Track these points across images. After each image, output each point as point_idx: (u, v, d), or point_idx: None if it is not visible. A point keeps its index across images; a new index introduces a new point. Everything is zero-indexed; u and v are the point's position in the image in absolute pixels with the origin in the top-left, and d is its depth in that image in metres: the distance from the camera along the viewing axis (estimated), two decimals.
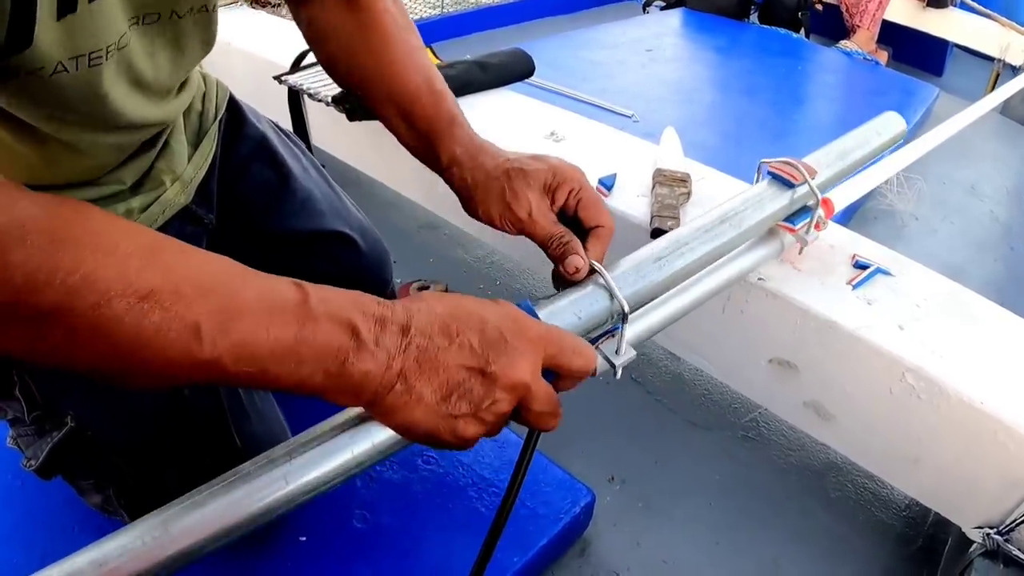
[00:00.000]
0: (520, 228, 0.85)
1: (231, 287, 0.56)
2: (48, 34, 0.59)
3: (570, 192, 0.85)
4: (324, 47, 1.00)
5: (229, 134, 1.15)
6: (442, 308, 0.62)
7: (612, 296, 0.76)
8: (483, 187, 0.87)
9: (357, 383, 0.58)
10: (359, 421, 0.65)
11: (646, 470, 1.39)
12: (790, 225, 1.03)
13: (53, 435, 0.92)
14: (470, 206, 0.89)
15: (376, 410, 0.61)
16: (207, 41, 0.86)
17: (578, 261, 0.78)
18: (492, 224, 0.87)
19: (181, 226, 1.00)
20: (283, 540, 1.08)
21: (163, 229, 0.93)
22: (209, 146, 1.06)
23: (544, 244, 0.83)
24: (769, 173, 1.01)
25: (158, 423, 0.95)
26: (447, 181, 0.92)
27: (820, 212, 1.05)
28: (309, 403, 1.18)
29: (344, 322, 0.58)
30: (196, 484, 0.63)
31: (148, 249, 0.54)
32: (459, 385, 0.61)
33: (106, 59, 0.68)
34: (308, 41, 1.02)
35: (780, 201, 0.98)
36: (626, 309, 0.76)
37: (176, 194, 0.96)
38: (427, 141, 0.93)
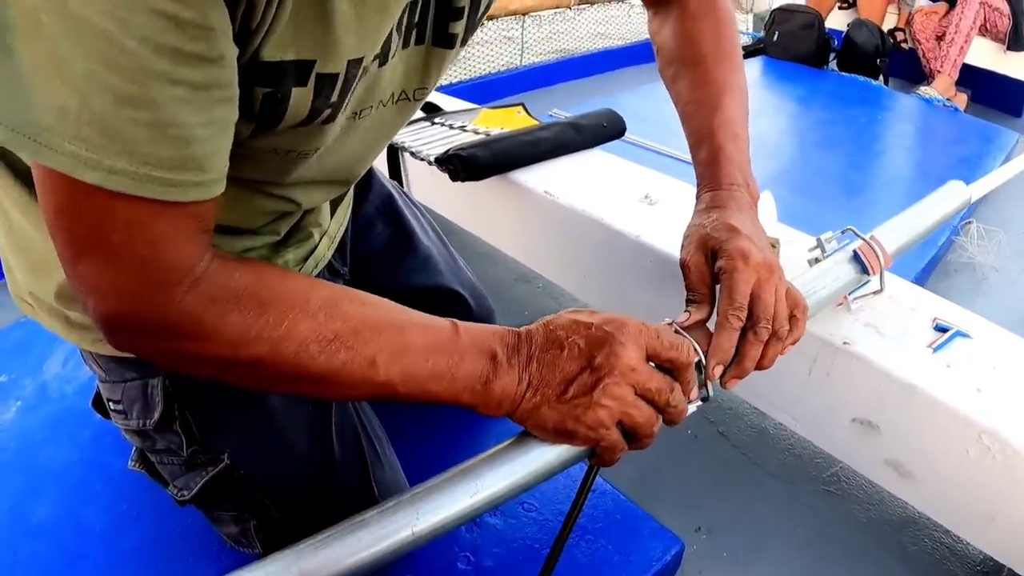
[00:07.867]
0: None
1: (397, 326, 0.72)
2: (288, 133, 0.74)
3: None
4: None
5: (358, 190, 1.23)
6: (560, 322, 0.76)
7: (702, 373, 0.85)
8: (691, 225, 0.96)
9: (498, 398, 0.74)
10: (472, 471, 0.75)
11: (731, 521, 1.44)
12: (845, 294, 1.15)
13: (208, 469, 0.98)
14: None
15: (515, 417, 0.75)
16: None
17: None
18: None
19: (323, 278, 1.05)
20: None
21: None
22: (347, 203, 1.13)
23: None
24: (854, 252, 1.10)
25: (307, 468, 1.03)
26: None
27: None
28: (424, 451, 1.28)
29: (486, 351, 0.74)
30: (333, 524, 0.74)
31: (331, 301, 0.69)
32: (572, 379, 0.73)
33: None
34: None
35: (850, 280, 1.10)
36: (711, 393, 0.86)
37: (326, 249, 1.04)
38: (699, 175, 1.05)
